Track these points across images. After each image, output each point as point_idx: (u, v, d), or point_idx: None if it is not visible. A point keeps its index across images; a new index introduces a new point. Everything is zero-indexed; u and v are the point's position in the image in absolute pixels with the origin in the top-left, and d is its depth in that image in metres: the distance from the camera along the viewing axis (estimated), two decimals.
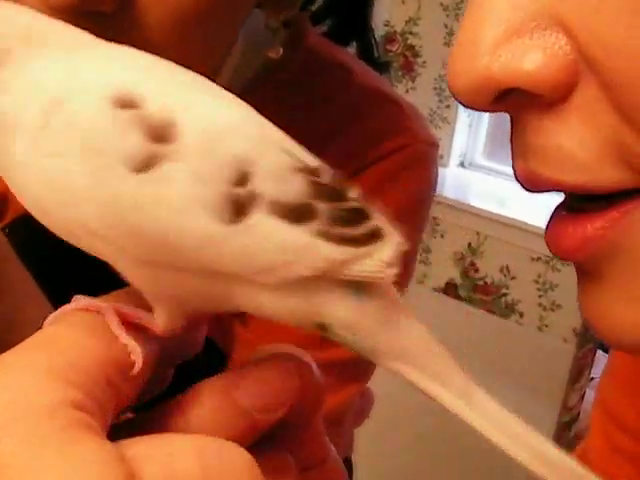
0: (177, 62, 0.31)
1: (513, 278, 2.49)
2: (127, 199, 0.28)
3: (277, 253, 0.29)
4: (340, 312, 0.30)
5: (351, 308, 0.30)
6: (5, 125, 0.30)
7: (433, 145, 0.72)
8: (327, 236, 0.29)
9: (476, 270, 2.55)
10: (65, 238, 0.31)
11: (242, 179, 0.29)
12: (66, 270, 0.58)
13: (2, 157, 0.30)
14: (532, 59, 0.31)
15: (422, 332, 0.31)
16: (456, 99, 0.34)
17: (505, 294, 2.51)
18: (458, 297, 2.58)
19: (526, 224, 2.32)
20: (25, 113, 0.30)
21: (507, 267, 2.49)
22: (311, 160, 0.31)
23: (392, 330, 0.31)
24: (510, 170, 0.36)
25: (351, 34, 0.79)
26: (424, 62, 2.59)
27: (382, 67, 0.79)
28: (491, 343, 2.42)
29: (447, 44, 2.42)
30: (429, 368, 0.31)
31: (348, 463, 0.82)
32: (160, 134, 0.28)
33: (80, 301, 0.31)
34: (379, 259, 0.30)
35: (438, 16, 2.49)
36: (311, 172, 0.30)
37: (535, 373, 2.24)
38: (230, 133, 0.29)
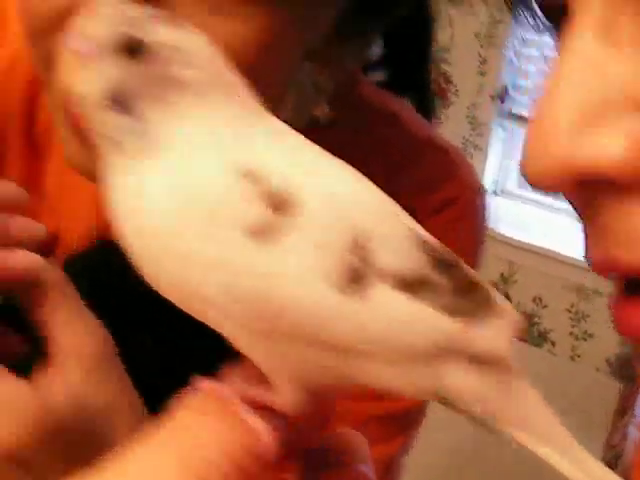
0: None
1: (545, 307, 2.47)
2: (246, 268, 0.28)
3: (396, 326, 0.29)
4: (462, 383, 0.30)
5: (472, 379, 0.30)
6: (137, 184, 0.30)
7: (480, 192, 0.72)
8: (445, 309, 0.29)
9: (508, 299, 2.53)
10: (178, 304, 0.30)
11: (362, 250, 0.28)
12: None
13: (134, 220, 0.30)
14: (615, 145, 0.30)
15: (535, 397, 0.31)
16: (531, 184, 0.33)
17: (537, 323, 2.49)
18: None
19: (559, 253, 2.31)
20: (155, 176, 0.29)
21: (539, 296, 2.47)
22: (424, 232, 0.31)
23: (511, 398, 0.30)
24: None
25: (407, 87, 0.79)
26: (457, 90, 2.60)
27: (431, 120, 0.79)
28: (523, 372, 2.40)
29: (480, 73, 2.42)
30: (541, 432, 0.30)
31: None
32: (281, 204, 0.28)
33: (203, 385, 0.31)
34: (496, 331, 0.29)
35: (471, 44, 2.49)
36: (428, 245, 0.30)
37: (569, 403, 2.22)
38: (350, 204, 0.29)
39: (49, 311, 0.46)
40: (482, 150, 2.58)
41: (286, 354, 0.30)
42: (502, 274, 2.52)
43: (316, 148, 0.31)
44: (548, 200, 2.40)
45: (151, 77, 0.29)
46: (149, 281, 0.30)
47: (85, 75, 0.29)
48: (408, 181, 0.69)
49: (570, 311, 2.42)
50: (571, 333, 2.43)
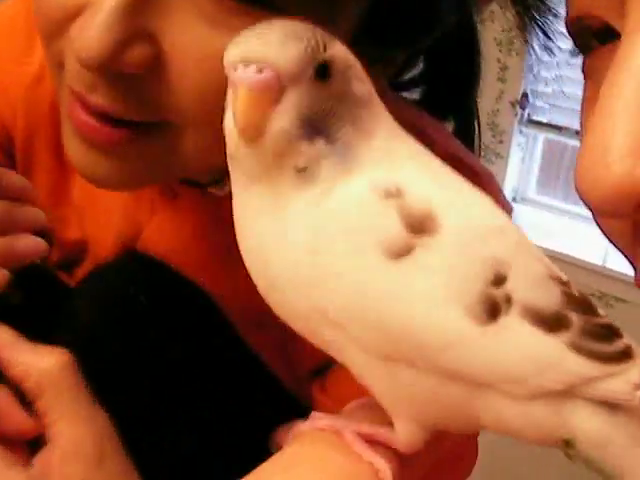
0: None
1: None
2: (377, 285, 0.27)
3: (529, 362, 0.28)
4: (590, 427, 0.28)
5: (602, 424, 0.28)
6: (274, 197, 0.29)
7: (504, 208, 0.72)
8: (579, 349, 0.28)
9: None
10: (291, 322, 0.29)
11: (500, 280, 0.28)
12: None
13: (237, 201, 0.29)
14: None
15: None
16: (595, 211, 0.32)
17: None
18: None
19: (579, 260, 2.30)
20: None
21: None
22: (561, 273, 0.30)
23: None
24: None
25: (448, 108, 0.76)
26: (477, 97, 2.59)
27: (472, 148, 0.76)
28: None
29: (500, 79, 2.42)
30: None
31: None
32: (419, 225, 0.28)
33: (317, 420, 0.30)
34: (628, 380, 0.28)
35: (492, 51, 2.49)
36: (563, 282, 0.29)
37: None
38: (491, 234, 0.29)
39: (50, 404, 0.46)
40: (502, 157, 2.58)
41: (409, 382, 0.28)
42: None
43: (457, 174, 0.31)
44: (568, 207, 2.39)
45: (337, 96, 0.28)
46: (272, 305, 0.29)
47: (275, 111, 0.27)
48: None
49: None
50: None
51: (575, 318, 0.28)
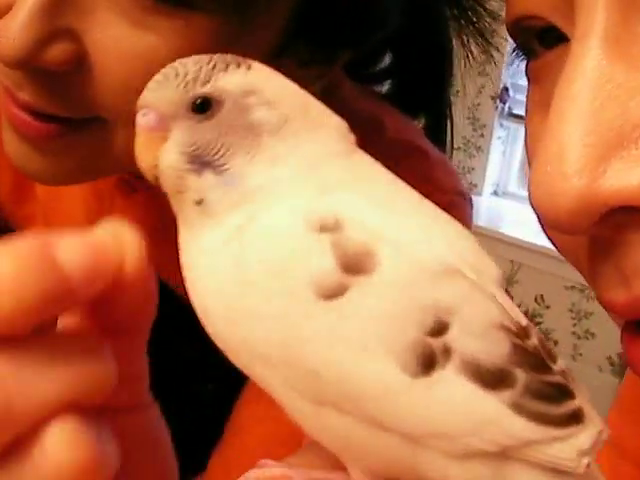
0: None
1: (547, 307, 2.47)
2: (305, 326, 0.26)
3: (462, 419, 0.26)
4: None
5: None
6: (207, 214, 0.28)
7: (461, 195, 0.71)
8: (520, 410, 0.26)
9: (510, 299, 2.54)
10: (227, 354, 0.29)
11: (440, 329, 0.26)
12: None
13: (191, 250, 0.29)
14: None
15: None
16: (549, 225, 0.30)
17: (539, 322, 2.49)
18: None
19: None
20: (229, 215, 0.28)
21: (541, 296, 2.47)
22: (520, 317, 0.28)
23: None
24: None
25: (419, 104, 0.76)
26: (457, 91, 2.59)
27: (443, 146, 0.76)
28: None
29: (481, 73, 2.42)
30: None
31: None
32: (355, 263, 0.26)
33: (268, 469, 0.29)
34: (574, 446, 0.27)
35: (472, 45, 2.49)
36: (518, 333, 0.27)
37: None
38: (437, 276, 0.26)
39: None
40: (484, 151, 2.58)
41: (341, 430, 0.27)
42: (504, 274, 2.53)
43: (411, 194, 0.29)
44: None
45: (225, 127, 0.28)
46: (202, 322, 0.29)
47: (162, 148, 0.28)
48: None
49: (572, 310, 2.42)
50: (573, 332, 2.43)
51: (520, 375, 0.26)
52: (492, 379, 0.26)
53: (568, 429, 0.27)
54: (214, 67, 0.28)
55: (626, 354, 0.32)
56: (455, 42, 0.70)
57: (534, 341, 0.27)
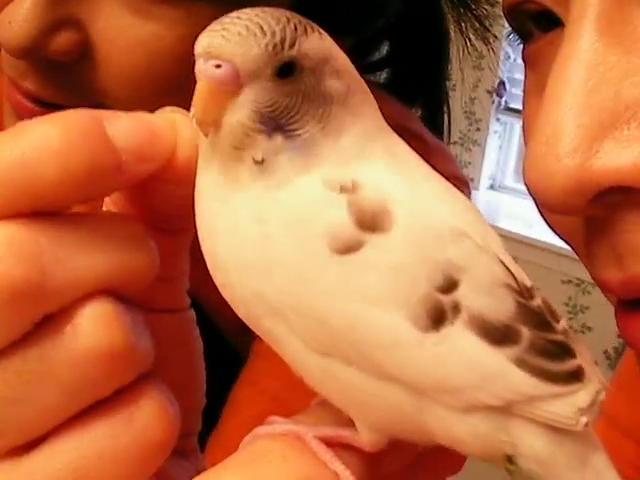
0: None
1: None
2: (319, 278, 0.26)
3: (467, 374, 0.26)
4: (534, 446, 0.27)
5: (546, 443, 0.27)
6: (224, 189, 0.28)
7: (459, 180, 0.71)
8: (524, 365, 0.27)
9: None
10: (234, 306, 0.29)
11: (450, 286, 0.26)
12: None
13: (199, 181, 0.29)
14: (637, 151, 0.28)
15: (612, 475, 0.29)
16: (544, 206, 0.31)
17: None
18: None
19: (556, 247, 2.31)
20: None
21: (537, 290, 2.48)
22: (525, 279, 0.29)
23: (585, 472, 0.28)
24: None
25: (416, 92, 0.76)
26: (454, 85, 2.59)
27: (441, 134, 0.76)
28: None
29: (477, 67, 2.42)
30: None
31: None
32: (371, 221, 0.26)
33: (277, 425, 0.29)
34: (573, 404, 0.27)
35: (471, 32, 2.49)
36: (522, 292, 0.28)
37: None
38: (449, 236, 0.27)
39: None
40: (480, 145, 2.58)
41: (347, 382, 0.27)
42: None
43: (432, 172, 0.30)
44: None
45: (302, 93, 0.27)
46: (218, 286, 0.29)
47: (232, 104, 0.27)
48: None
49: (568, 304, 2.42)
50: (570, 327, 2.44)
51: (525, 332, 0.27)
52: (498, 335, 0.26)
53: (568, 386, 0.27)
54: (295, 29, 0.27)
55: (621, 331, 0.33)
56: (453, 32, 0.69)
57: (538, 301, 0.28)
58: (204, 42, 0.27)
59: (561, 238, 0.37)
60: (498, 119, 2.58)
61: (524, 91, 0.39)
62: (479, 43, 0.69)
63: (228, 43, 0.26)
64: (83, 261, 0.27)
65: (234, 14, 0.27)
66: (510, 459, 0.28)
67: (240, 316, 0.29)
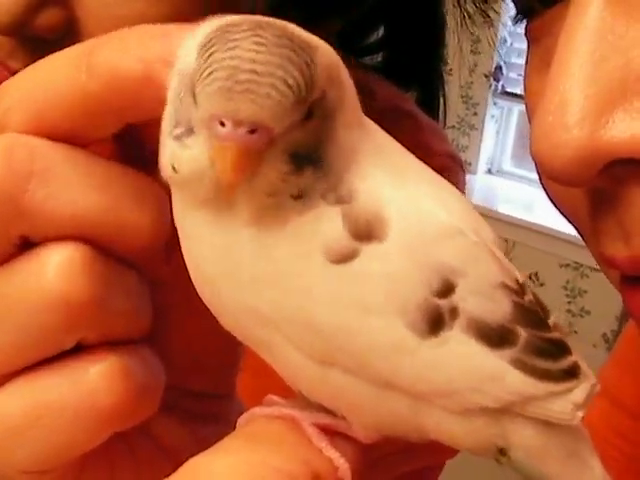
0: None
1: (542, 285, 2.48)
2: (316, 287, 0.26)
3: (466, 378, 0.27)
4: (527, 440, 0.28)
5: (539, 437, 0.28)
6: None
7: (452, 157, 0.71)
8: (522, 366, 0.27)
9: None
10: (229, 325, 0.29)
11: (447, 289, 0.26)
12: None
13: (184, 222, 0.28)
14: None
15: (600, 471, 0.29)
16: (551, 177, 0.30)
17: None
18: None
19: (554, 230, 2.32)
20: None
21: (536, 274, 2.48)
22: (517, 274, 0.29)
23: (574, 464, 0.29)
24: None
25: (411, 75, 0.76)
26: (451, 70, 2.59)
27: (437, 119, 0.76)
28: None
29: (473, 52, 2.42)
30: None
31: None
32: (365, 230, 0.26)
33: (274, 407, 0.29)
34: (570, 400, 0.27)
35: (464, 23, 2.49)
36: (516, 290, 0.28)
37: None
38: (443, 237, 0.27)
39: None
40: (477, 130, 2.58)
41: (345, 389, 0.28)
42: None
43: (422, 168, 0.29)
44: None
45: (321, 121, 0.27)
46: (203, 296, 0.28)
47: (263, 157, 0.26)
48: None
49: (566, 288, 2.43)
50: (568, 310, 2.44)
51: (522, 332, 0.27)
52: (495, 337, 0.26)
53: (565, 384, 0.27)
54: (308, 65, 0.26)
55: (626, 304, 0.33)
56: (450, 16, 0.69)
57: (530, 297, 0.28)
58: (229, 106, 0.25)
59: (563, 215, 0.37)
60: (495, 103, 2.58)
61: (526, 69, 0.38)
62: (476, 27, 0.69)
63: (261, 109, 0.25)
64: (69, 194, 0.27)
65: (237, 56, 0.25)
66: (502, 451, 0.28)
67: (227, 328, 0.28)
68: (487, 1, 0.66)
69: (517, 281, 0.28)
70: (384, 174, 0.28)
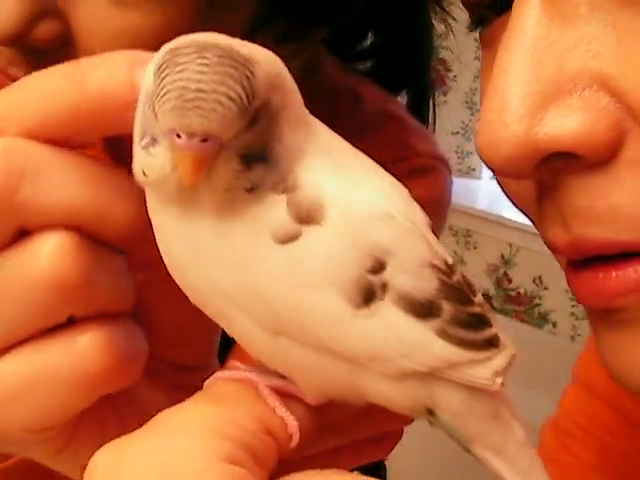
0: None
1: (546, 288, 2.49)
2: (264, 264, 0.30)
3: (396, 345, 0.30)
4: (452, 401, 0.31)
5: (463, 399, 0.31)
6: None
7: (437, 158, 0.73)
8: (445, 336, 0.30)
9: (509, 281, 2.55)
10: (197, 302, 0.32)
11: (378, 267, 0.30)
12: None
13: (156, 216, 0.32)
14: (578, 120, 0.30)
15: (520, 432, 0.32)
16: (494, 170, 0.33)
17: (538, 304, 2.51)
18: (492, 308, 2.58)
19: None
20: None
21: (540, 277, 2.49)
22: (446, 256, 0.32)
23: (495, 425, 0.32)
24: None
25: (401, 80, 0.78)
26: (455, 76, 2.61)
27: (426, 122, 0.78)
28: (525, 352, 2.41)
29: (478, 58, 2.43)
30: (518, 465, 0.32)
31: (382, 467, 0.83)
32: (306, 215, 0.30)
33: (235, 371, 0.33)
34: (490, 368, 0.31)
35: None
36: (444, 270, 0.31)
37: (568, 382, 2.23)
38: (376, 221, 0.30)
39: None
40: None
41: (294, 356, 0.31)
42: (502, 255, 2.54)
43: (364, 161, 0.33)
44: None
45: (266, 123, 0.30)
46: (173, 275, 0.32)
47: (216, 160, 0.29)
48: (359, 147, 0.70)
49: (570, 291, 2.44)
50: (572, 313, 2.45)
51: (446, 307, 0.30)
52: (422, 310, 0.30)
53: (486, 353, 0.31)
54: (247, 77, 0.29)
55: (570, 287, 0.36)
56: (454, 22, 0.71)
57: (458, 277, 0.31)
58: (182, 122, 0.28)
59: (514, 204, 0.40)
60: None
61: (481, 68, 0.41)
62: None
63: (209, 122, 0.28)
64: (59, 190, 0.31)
65: (186, 77, 0.28)
66: (431, 412, 0.32)
67: (197, 305, 0.32)
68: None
69: (446, 262, 0.31)
70: (326, 166, 0.31)
